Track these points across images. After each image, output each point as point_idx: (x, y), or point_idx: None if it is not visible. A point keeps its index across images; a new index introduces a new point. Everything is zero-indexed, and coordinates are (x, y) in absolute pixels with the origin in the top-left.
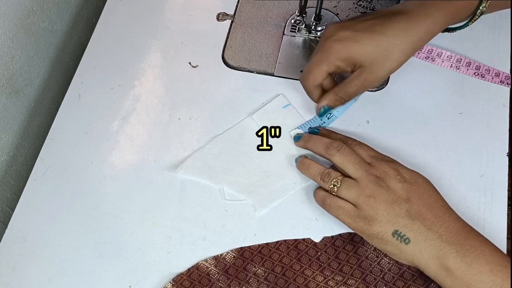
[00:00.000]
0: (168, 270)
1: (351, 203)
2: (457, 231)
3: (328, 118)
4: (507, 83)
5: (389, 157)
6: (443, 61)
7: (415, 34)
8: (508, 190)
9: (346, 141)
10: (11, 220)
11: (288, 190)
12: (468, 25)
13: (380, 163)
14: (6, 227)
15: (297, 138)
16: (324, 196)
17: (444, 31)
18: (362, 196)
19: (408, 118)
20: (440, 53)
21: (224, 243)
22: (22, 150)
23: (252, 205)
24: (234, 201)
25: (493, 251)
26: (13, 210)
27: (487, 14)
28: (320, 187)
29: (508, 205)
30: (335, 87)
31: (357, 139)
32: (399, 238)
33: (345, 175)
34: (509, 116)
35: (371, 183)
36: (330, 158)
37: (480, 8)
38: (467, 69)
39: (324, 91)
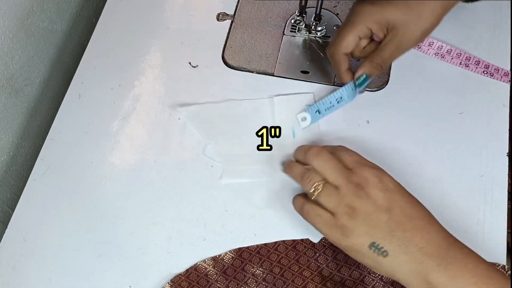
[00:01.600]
0: (168, 270)
1: (330, 211)
2: (439, 242)
3: (338, 102)
4: None
5: (374, 164)
6: (452, 58)
7: None
8: (508, 190)
9: (332, 148)
10: (11, 220)
11: (263, 176)
12: None
13: (362, 169)
14: (6, 227)
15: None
16: (302, 203)
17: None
18: (341, 206)
19: (408, 118)
20: (450, 50)
21: (224, 243)
22: (22, 150)
23: (222, 171)
24: (210, 159)
25: (478, 262)
26: (13, 210)
27: (487, 14)
28: (299, 195)
29: (508, 200)
30: (369, 55)
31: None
32: (376, 250)
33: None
34: (509, 116)
35: (350, 191)
36: (309, 162)
37: None
38: (476, 67)
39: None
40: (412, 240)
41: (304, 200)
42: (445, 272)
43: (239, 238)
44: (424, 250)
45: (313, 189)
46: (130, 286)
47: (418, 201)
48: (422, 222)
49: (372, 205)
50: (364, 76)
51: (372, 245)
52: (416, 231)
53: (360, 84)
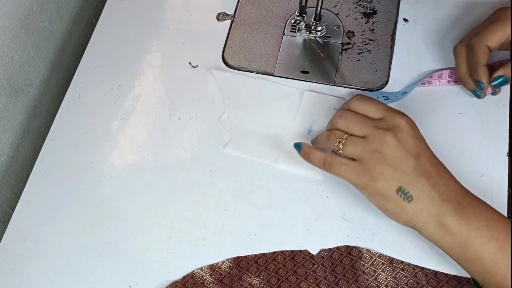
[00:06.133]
0: (168, 270)
1: (356, 159)
2: (456, 190)
3: (402, 95)
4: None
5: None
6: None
7: None
8: (508, 190)
9: (357, 103)
10: (11, 220)
11: (266, 158)
12: None
13: (393, 116)
14: (6, 227)
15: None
16: (324, 156)
17: None
18: (368, 151)
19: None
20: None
21: (224, 243)
22: (22, 150)
23: (228, 140)
24: (222, 126)
25: (488, 208)
26: (13, 210)
27: (487, 14)
28: (315, 149)
29: (508, 203)
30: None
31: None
32: (402, 195)
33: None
34: (509, 116)
35: (379, 137)
36: (336, 126)
37: None
38: (440, 81)
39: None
40: (435, 186)
41: (324, 153)
42: (461, 216)
43: (239, 238)
44: (444, 195)
45: (337, 143)
46: (130, 286)
47: (440, 162)
48: (444, 171)
49: (402, 150)
50: (503, 78)
51: (399, 189)
52: (439, 178)
53: (497, 85)
